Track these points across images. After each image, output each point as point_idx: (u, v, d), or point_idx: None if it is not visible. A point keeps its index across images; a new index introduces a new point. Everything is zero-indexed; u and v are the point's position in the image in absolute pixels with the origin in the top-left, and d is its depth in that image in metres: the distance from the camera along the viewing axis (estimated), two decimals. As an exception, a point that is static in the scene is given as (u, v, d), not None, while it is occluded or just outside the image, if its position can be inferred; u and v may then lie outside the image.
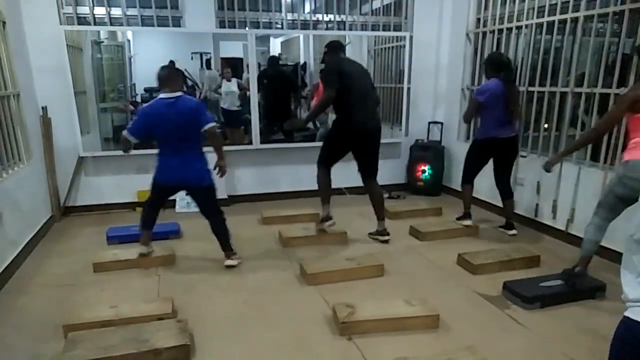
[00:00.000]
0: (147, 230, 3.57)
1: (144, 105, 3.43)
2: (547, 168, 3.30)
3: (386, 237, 4.09)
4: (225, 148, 5.27)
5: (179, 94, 3.29)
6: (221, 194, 5.14)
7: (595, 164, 3.82)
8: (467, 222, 4.31)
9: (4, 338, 2.63)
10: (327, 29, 5.55)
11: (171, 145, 3.34)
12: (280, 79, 6.05)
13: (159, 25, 4.90)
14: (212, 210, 3.55)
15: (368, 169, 3.96)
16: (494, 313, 2.90)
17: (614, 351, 1.14)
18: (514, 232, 4.24)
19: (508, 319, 2.82)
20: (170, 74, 3.34)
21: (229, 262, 3.57)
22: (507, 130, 3.99)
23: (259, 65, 6.38)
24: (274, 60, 6.26)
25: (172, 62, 4.30)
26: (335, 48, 3.95)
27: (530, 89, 4.39)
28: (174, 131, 3.28)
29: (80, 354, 2.29)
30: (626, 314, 1.10)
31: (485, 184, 4.74)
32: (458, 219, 4.41)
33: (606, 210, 2.95)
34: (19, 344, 2.56)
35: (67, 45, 4.46)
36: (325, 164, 4.00)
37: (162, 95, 3.27)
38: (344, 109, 3.81)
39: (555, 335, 2.64)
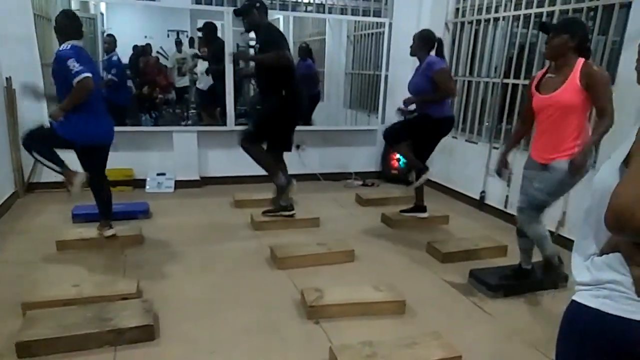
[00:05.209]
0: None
1: (68, 51, 2.92)
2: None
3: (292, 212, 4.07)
4: (199, 129, 5.24)
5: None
6: (193, 175, 5.12)
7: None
8: (424, 215, 4.21)
9: (-41, 315, 2.53)
10: (306, 11, 5.46)
11: (98, 98, 3.16)
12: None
13: (133, -2, 4.74)
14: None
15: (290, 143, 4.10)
16: (460, 300, 2.95)
17: (562, 333, 1.17)
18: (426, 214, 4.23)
19: (473, 306, 2.87)
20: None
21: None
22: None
23: (237, 46, 6.26)
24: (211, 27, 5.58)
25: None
26: (263, 6, 3.67)
27: (505, 81, 4.43)
28: (97, 82, 3.09)
29: (38, 332, 2.23)
30: (573, 297, 1.12)
31: (459, 172, 4.79)
32: (405, 211, 4.25)
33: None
34: (-26, 322, 2.47)
35: (34, 14, 4.28)
36: (256, 141, 3.94)
37: (76, 43, 3.04)
38: (287, 86, 3.72)
39: (518, 322, 2.70)
